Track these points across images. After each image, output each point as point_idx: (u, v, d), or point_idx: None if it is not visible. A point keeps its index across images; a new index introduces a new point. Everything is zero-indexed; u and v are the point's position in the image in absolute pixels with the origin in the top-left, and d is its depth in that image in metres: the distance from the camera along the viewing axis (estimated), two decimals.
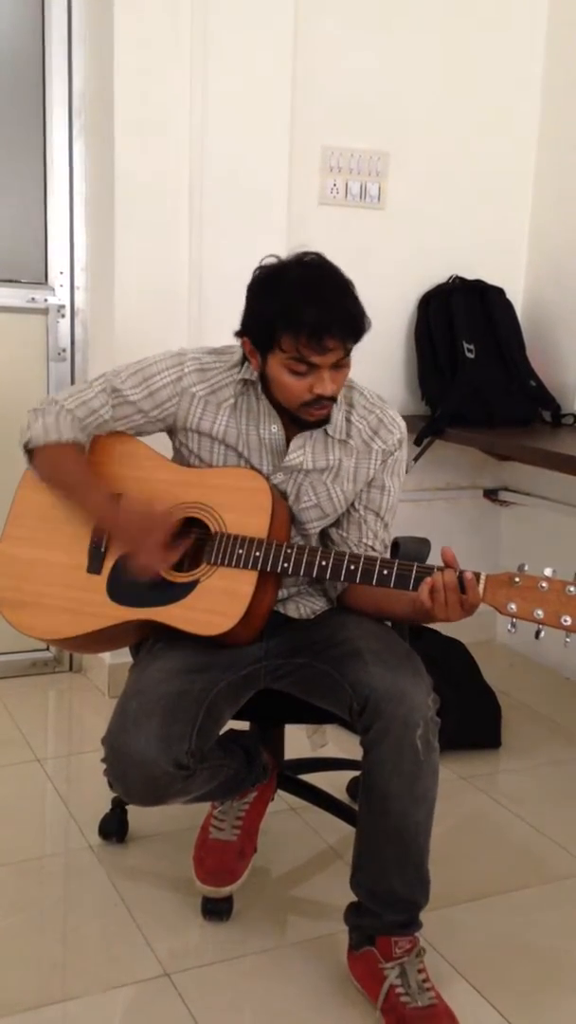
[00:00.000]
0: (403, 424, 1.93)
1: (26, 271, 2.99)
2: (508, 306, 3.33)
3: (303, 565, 1.74)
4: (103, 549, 1.86)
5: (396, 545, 1.98)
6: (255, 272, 1.78)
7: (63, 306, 3.02)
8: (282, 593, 1.92)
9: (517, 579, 1.60)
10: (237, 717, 1.88)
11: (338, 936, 1.85)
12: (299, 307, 1.67)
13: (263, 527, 1.77)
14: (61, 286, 3.02)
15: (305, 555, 1.74)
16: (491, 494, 3.57)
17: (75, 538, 1.89)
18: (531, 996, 1.81)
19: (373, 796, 1.72)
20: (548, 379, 3.28)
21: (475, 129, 3.27)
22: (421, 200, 3.22)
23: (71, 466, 1.88)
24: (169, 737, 1.66)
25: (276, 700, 1.92)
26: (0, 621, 1.93)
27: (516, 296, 3.39)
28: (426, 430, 3.09)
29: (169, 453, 1.96)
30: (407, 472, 2.01)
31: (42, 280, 3.01)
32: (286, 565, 1.74)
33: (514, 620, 1.61)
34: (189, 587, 1.78)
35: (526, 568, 1.62)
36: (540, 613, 1.58)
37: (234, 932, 1.94)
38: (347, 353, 1.74)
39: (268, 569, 1.74)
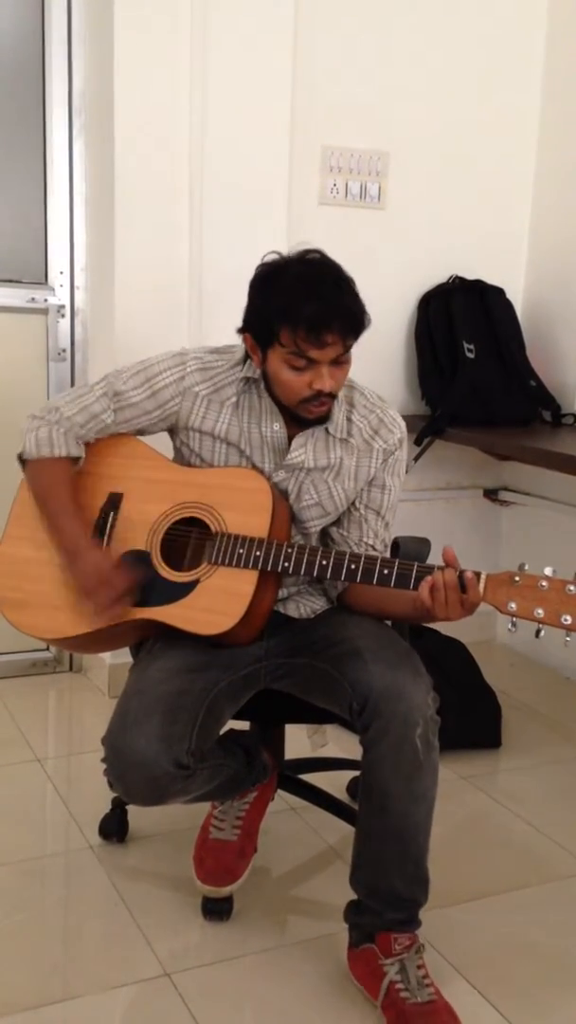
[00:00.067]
0: (403, 424, 1.94)
1: (26, 271, 2.99)
2: (508, 306, 3.33)
3: (303, 564, 1.74)
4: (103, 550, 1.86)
5: (396, 545, 1.98)
6: (257, 268, 1.78)
7: (63, 306, 3.02)
8: (282, 592, 1.93)
9: (517, 578, 1.60)
10: (237, 717, 1.88)
11: (338, 936, 1.85)
12: (298, 301, 1.68)
13: (263, 527, 1.77)
14: (61, 286, 3.02)
15: (305, 554, 1.74)
16: (491, 494, 3.57)
17: None
18: (531, 996, 1.81)
19: (373, 795, 1.73)
20: (548, 379, 3.28)
21: (475, 129, 3.27)
22: (421, 200, 3.22)
23: (56, 489, 1.88)
24: (169, 737, 1.66)
25: (276, 700, 1.92)
26: (1, 621, 1.93)
27: (516, 296, 3.39)
28: (426, 430, 3.09)
29: (170, 453, 1.96)
30: (407, 472, 2.01)
31: (42, 280, 3.01)
32: (286, 564, 1.74)
33: (514, 619, 1.61)
34: (189, 587, 1.78)
35: (526, 567, 1.62)
36: (540, 612, 1.58)
37: (234, 932, 1.94)
38: (347, 349, 1.74)
39: (268, 569, 1.74)
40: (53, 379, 3.03)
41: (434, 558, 1.75)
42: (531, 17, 3.28)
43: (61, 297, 3.02)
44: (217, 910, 1.96)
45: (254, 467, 1.87)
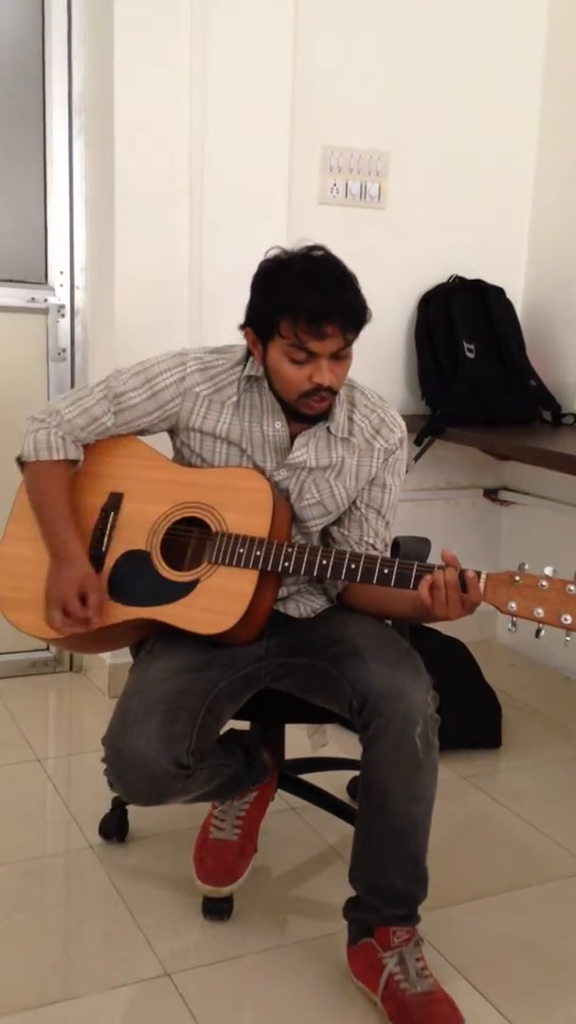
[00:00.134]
0: (403, 424, 1.94)
1: (26, 271, 2.99)
2: (508, 306, 3.33)
3: (304, 564, 1.74)
4: (103, 549, 1.87)
5: (396, 545, 1.98)
6: (260, 263, 1.79)
7: (63, 306, 3.02)
8: (282, 592, 1.93)
9: (517, 578, 1.61)
10: (237, 717, 1.88)
11: (338, 936, 1.85)
12: (300, 294, 1.69)
13: (264, 527, 1.77)
14: (61, 286, 3.02)
15: (306, 554, 1.74)
16: (491, 494, 3.57)
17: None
18: (532, 995, 1.81)
19: (372, 793, 1.73)
20: (548, 379, 3.28)
21: (475, 129, 3.27)
22: (421, 200, 3.22)
23: (52, 494, 1.88)
24: (169, 736, 1.66)
25: (276, 700, 1.92)
26: (1, 621, 1.93)
27: (516, 296, 3.39)
28: (426, 430, 3.09)
29: (170, 452, 1.96)
30: (407, 472, 2.01)
31: (42, 280, 3.01)
32: (287, 564, 1.74)
33: (514, 619, 1.61)
34: (189, 586, 1.78)
35: (526, 567, 1.62)
36: (540, 612, 1.58)
37: (234, 932, 1.94)
38: (347, 344, 1.74)
39: (269, 568, 1.74)
40: (53, 379, 3.03)
41: (434, 558, 1.75)
42: (531, 17, 3.28)
43: (61, 297, 3.02)
44: (217, 910, 1.96)
45: (255, 466, 1.87)
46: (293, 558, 1.74)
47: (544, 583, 1.58)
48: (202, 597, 1.77)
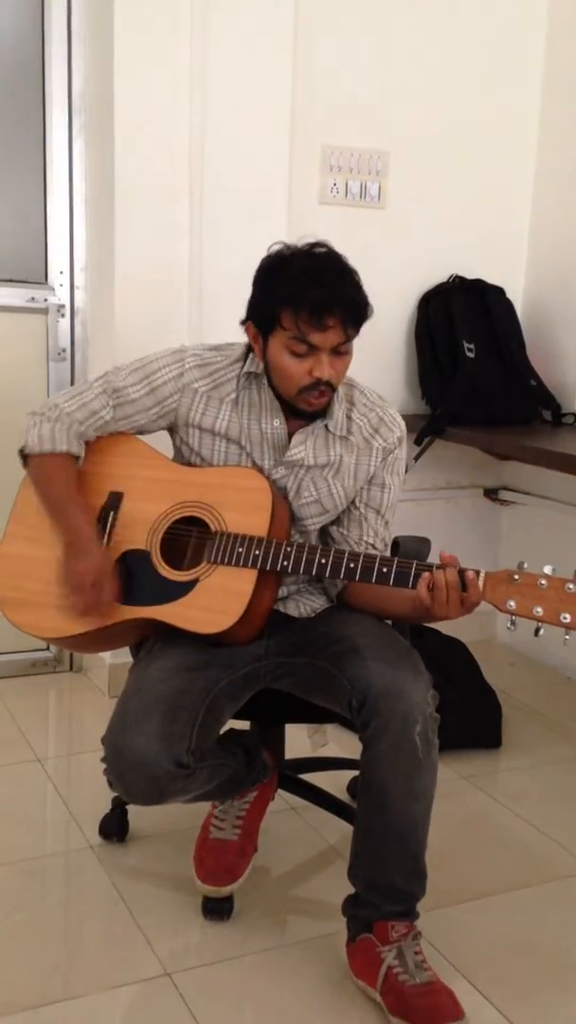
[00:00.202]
0: (403, 423, 1.94)
1: (26, 271, 2.99)
2: (508, 305, 3.33)
3: (303, 563, 1.74)
4: (103, 548, 1.86)
5: (396, 544, 1.98)
6: (263, 259, 1.80)
7: (63, 306, 3.02)
8: (282, 592, 1.93)
9: (516, 576, 1.60)
10: (237, 716, 1.88)
11: (338, 936, 1.85)
12: (302, 286, 1.70)
13: (263, 526, 1.77)
14: (61, 286, 3.02)
15: (305, 553, 1.74)
16: (491, 493, 3.57)
17: None
18: (532, 995, 1.81)
19: (372, 792, 1.73)
20: (548, 378, 3.28)
21: (475, 129, 3.27)
22: (421, 200, 3.22)
23: (58, 483, 1.88)
24: (169, 736, 1.66)
25: (276, 699, 1.92)
26: (1, 621, 1.93)
27: (516, 295, 3.39)
28: (426, 429, 3.09)
29: (170, 452, 1.96)
30: (407, 471, 2.01)
31: (42, 280, 3.01)
32: (286, 563, 1.74)
33: (513, 618, 1.61)
34: (189, 586, 1.78)
35: (525, 566, 1.62)
36: (539, 610, 1.58)
37: (234, 932, 1.94)
38: (348, 339, 1.74)
39: (268, 567, 1.74)
40: (53, 379, 3.03)
41: (434, 557, 1.75)
42: (531, 17, 3.28)
43: (61, 297, 3.02)
44: (217, 910, 1.96)
45: (254, 464, 1.87)
46: (292, 557, 1.74)
47: (543, 582, 1.58)
48: (201, 596, 1.77)
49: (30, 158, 2.94)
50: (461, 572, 1.64)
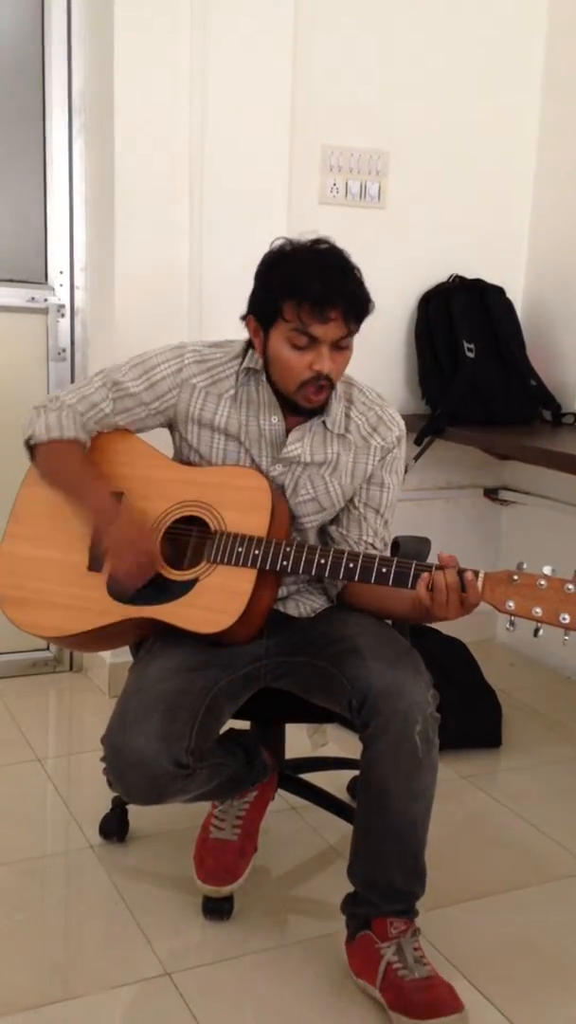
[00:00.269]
0: (402, 422, 1.94)
1: (26, 271, 2.99)
2: (508, 305, 3.33)
3: (302, 563, 1.74)
4: (103, 548, 1.86)
5: (396, 544, 1.98)
6: (265, 254, 1.81)
7: (63, 306, 3.02)
8: (282, 591, 1.93)
9: (516, 577, 1.60)
10: (237, 716, 1.88)
11: (338, 936, 1.85)
12: (305, 278, 1.71)
13: (263, 526, 1.77)
14: (61, 286, 3.02)
15: (304, 553, 1.74)
16: (491, 493, 3.57)
17: (76, 536, 1.89)
18: (532, 995, 1.81)
19: (372, 792, 1.73)
20: (548, 378, 3.28)
21: (475, 129, 3.27)
22: (421, 200, 3.22)
23: (72, 464, 1.89)
24: (169, 736, 1.66)
25: (276, 699, 1.92)
26: (1, 621, 1.93)
27: (516, 295, 3.39)
28: (426, 429, 3.09)
29: (170, 452, 1.96)
30: (407, 471, 2.01)
31: (42, 280, 3.01)
32: (285, 563, 1.74)
33: (512, 618, 1.61)
34: (188, 585, 1.78)
35: (525, 566, 1.62)
36: (538, 611, 1.58)
37: (235, 931, 1.94)
38: (349, 334, 1.75)
39: (267, 567, 1.74)
40: (53, 379, 3.03)
41: (434, 558, 1.75)
42: (531, 17, 3.28)
43: (61, 297, 3.02)
44: (217, 909, 1.96)
45: (252, 461, 1.87)
46: (291, 557, 1.74)
47: (542, 582, 1.58)
48: (201, 596, 1.77)
49: (30, 158, 2.94)
50: (460, 573, 1.64)
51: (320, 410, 1.85)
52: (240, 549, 1.75)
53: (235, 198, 2.83)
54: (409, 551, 1.96)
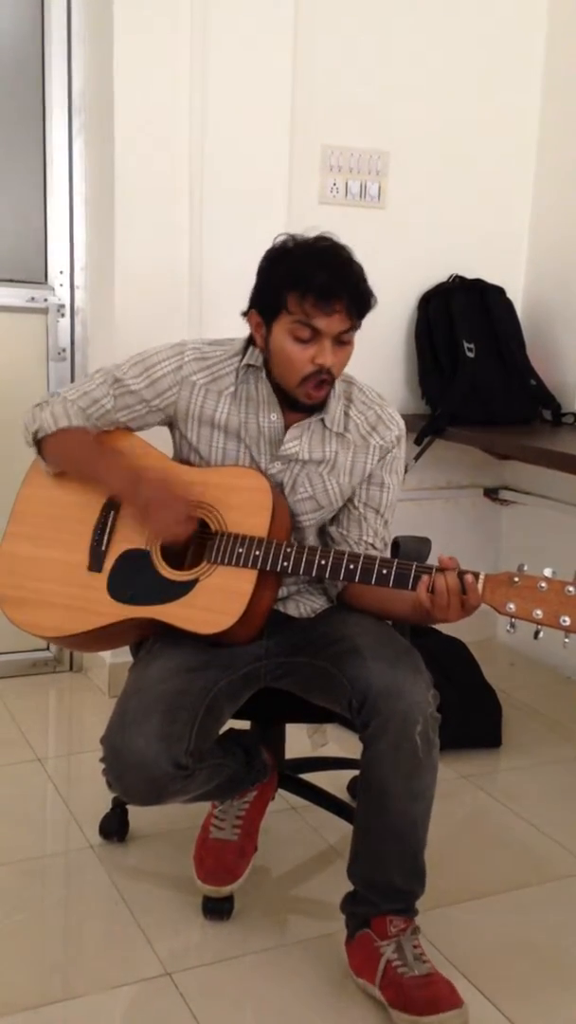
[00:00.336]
0: (402, 422, 1.94)
1: (26, 270, 2.99)
2: (508, 305, 3.33)
3: (303, 564, 1.74)
4: (103, 548, 1.87)
5: (396, 544, 1.98)
6: (268, 249, 1.81)
7: (63, 305, 3.02)
8: (282, 592, 1.93)
9: (516, 579, 1.60)
10: (237, 716, 1.88)
11: (338, 936, 1.85)
12: (309, 270, 1.71)
13: (263, 526, 1.77)
14: (61, 285, 3.02)
15: (305, 554, 1.74)
16: (491, 493, 3.57)
17: (77, 536, 1.89)
18: (532, 994, 1.81)
19: (372, 792, 1.73)
20: (548, 378, 3.28)
21: (475, 129, 3.27)
22: (421, 200, 3.22)
23: (86, 444, 1.90)
24: (168, 736, 1.66)
25: (276, 699, 1.92)
26: (1, 621, 1.93)
27: (516, 295, 3.39)
28: (426, 429, 3.09)
29: (170, 452, 1.96)
30: (407, 471, 2.01)
31: (42, 280, 3.01)
32: (286, 564, 1.74)
33: (513, 620, 1.61)
34: (189, 585, 1.78)
35: (526, 568, 1.62)
36: (539, 613, 1.58)
37: (235, 931, 1.94)
38: (351, 328, 1.75)
39: (268, 568, 1.75)
40: (53, 379, 3.03)
41: (434, 558, 1.75)
42: (531, 17, 3.28)
43: (61, 296, 3.02)
44: (217, 909, 1.97)
45: (252, 459, 1.87)
46: (292, 558, 1.74)
47: (543, 584, 1.58)
48: (201, 596, 1.77)
49: (30, 158, 2.94)
50: (461, 575, 1.64)
51: (319, 407, 1.85)
52: (241, 550, 1.75)
53: (235, 198, 2.83)
54: (409, 551, 1.96)
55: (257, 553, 1.74)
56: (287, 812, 2.36)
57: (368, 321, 1.79)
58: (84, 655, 3.16)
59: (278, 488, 1.86)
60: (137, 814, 2.23)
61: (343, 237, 1.84)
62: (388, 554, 1.96)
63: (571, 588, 1.56)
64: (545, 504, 3.36)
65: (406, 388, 3.32)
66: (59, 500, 1.93)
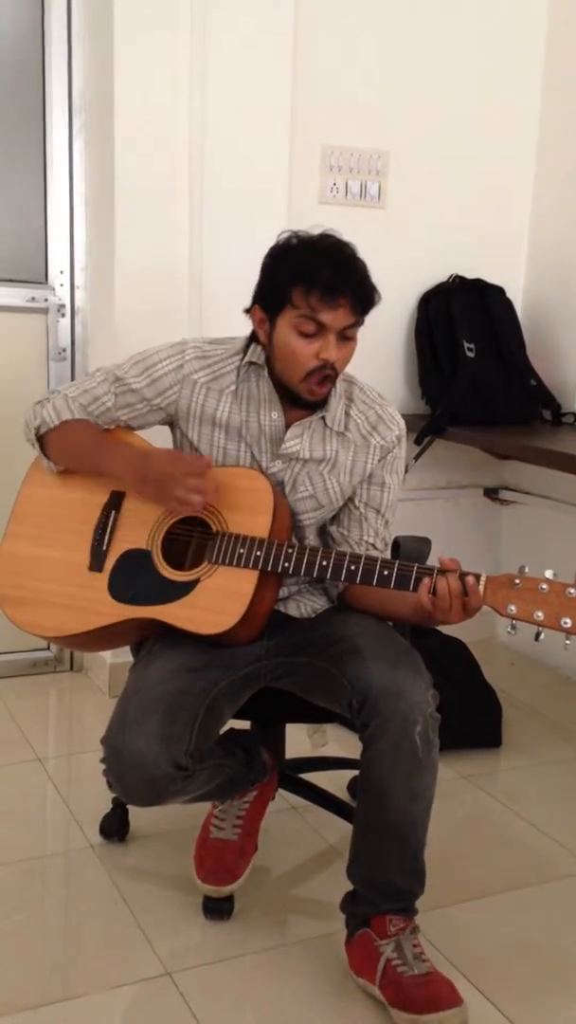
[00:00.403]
0: (402, 422, 1.94)
1: (26, 270, 2.99)
2: (508, 305, 3.33)
3: (304, 565, 1.74)
4: (104, 548, 1.87)
5: (397, 544, 1.98)
6: (272, 246, 1.81)
7: (63, 305, 3.02)
8: (283, 592, 1.93)
9: (517, 581, 1.60)
10: (237, 716, 1.88)
11: (338, 936, 1.85)
12: (315, 264, 1.72)
13: (265, 527, 1.77)
14: (61, 285, 3.02)
15: (306, 555, 1.74)
16: (491, 493, 3.57)
17: (77, 536, 1.89)
18: (532, 994, 1.82)
19: (372, 792, 1.73)
20: (548, 378, 3.28)
21: (475, 129, 3.27)
22: (421, 200, 3.22)
23: (91, 434, 1.90)
24: (169, 737, 1.66)
25: (277, 699, 1.92)
26: (1, 621, 1.93)
27: (516, 295, 3.39)
28: (426, 429, 3.09)
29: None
30: (407, 471, 2.01)
31: (42, 279, 3.01)
32: (287, 565, 1.74)
33: (514, 622, 1.61)
34: (190, 586, 1.78)
35: (526, 570, 1.62)
36: (540, 615, 1.58)
37: (235, 931, 1.94)
38: (356, 324, 1.76)
39: (269, 568, 1.75)
40: (53, 378, 3.03)
41: (434, 559, 1.75)
42: (531, 17, 3.28)
43: (61, 296, 3.02)
44: (218, 909, 1.97)
45: (252, 458, 1.87)
46: (293, 558, 1.74)
47: (544, 586, 1.58)
48: (202, 597, 1.77)
49: (30, 158, 2.94)
50: (462, 577, 1.64)
51: (321, 405, 1.85)
52: (242, 550, 1.75)
53: (235, 198, 2.83)
54: (410, 551, 1.96)
55: (258, 554, 1.74)
56: (287, 812, 2.36)
57: (368, 321, 1.79)
58: (84, 655, 3.16)
59: (279, 487, 1.86)
60: (137, 814, 2.23)
61: (343, 237, 1.84)
62: (388, 554, 1.96)
63: (572, 590, 1.56)
64: (545, 504, 3.36)
65: (406, 388, 3.32)
66: (60, 500, 1.93)
